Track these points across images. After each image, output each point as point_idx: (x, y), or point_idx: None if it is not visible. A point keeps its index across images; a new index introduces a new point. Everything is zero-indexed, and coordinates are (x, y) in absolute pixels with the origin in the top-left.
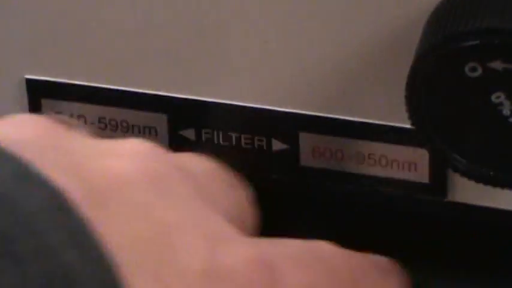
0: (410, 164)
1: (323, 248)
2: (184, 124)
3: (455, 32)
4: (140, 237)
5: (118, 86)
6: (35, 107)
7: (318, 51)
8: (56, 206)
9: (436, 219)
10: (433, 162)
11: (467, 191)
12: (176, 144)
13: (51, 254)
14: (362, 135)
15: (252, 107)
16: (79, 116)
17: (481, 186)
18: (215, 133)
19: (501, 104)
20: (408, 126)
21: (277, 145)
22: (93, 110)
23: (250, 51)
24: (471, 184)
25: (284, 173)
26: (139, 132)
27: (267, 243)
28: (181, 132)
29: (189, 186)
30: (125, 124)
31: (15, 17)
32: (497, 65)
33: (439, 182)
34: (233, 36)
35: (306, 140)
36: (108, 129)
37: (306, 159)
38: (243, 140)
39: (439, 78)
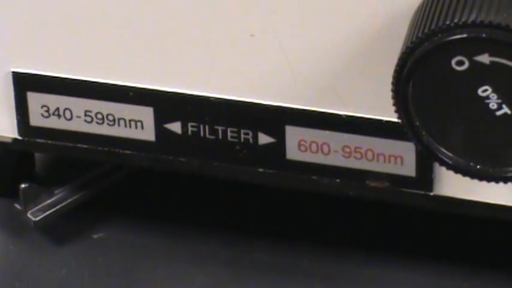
0: (396, 158)
1: None
2: (170, 117)
3: (442, 26)
4: None
5: (104, 79)
6: (21, 100)
7: (304, 45)
8: None
9: (423, 212)
10: (420, 156)
11: (454, 185)
12: (162, 137)
13: None
14: (348, 128)
15: (238, 101)
16: (65, 110)
17: (467, 179)
18: (201, 126)
19: (488, 97)
20: (395, 119)
21: (263, 138)
22: (80, 103)
23: (237, 45)
24: (458, 178)
25: (270, 167)
26: (126, 125)
27: None
28: (167, 126)
29: None
30: (111, 117)
31: (0, 10)
32: (484, 58)
33: (425, 175)
34: (219, 30)
35: (292, 134)
36: (94, 122)
37: (292, 152)
38: (229, 134)
39: (426, 71)
